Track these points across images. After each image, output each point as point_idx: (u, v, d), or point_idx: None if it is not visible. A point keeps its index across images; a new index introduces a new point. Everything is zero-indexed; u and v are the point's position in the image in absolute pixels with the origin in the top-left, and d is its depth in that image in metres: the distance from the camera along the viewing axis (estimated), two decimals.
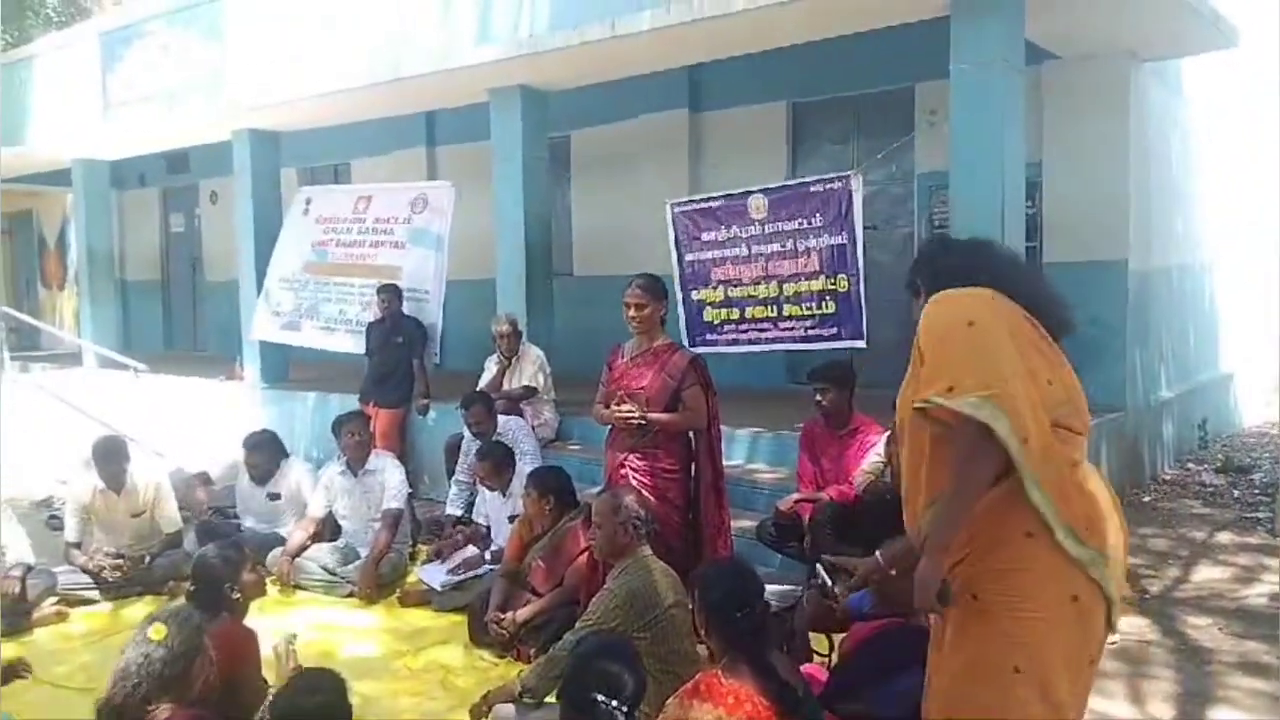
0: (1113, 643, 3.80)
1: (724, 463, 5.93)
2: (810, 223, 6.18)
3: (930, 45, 5.70)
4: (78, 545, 5.27)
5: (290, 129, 9.46)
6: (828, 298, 6.18)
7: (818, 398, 4.83)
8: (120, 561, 5.15)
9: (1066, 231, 6.77)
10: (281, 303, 8.67)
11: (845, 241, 6.05)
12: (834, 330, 6.18)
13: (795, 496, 4.87)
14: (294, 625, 4.83)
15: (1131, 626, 4.31)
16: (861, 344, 6.02)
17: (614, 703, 2.44)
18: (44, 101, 11.77)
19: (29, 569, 4.93)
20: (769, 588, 4.66)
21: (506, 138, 7.59)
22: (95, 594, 5.14)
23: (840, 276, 6.10)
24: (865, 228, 6.27)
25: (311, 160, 11.36)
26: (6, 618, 4.68)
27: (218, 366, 10.17)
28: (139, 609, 4.92)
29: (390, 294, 7.23)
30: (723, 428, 6.15)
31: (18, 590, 4.73)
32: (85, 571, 5.13)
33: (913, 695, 2.43)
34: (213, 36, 9.45)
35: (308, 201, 8.83)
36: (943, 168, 6.04)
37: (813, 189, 6.23)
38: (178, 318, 14.31)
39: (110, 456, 5.30)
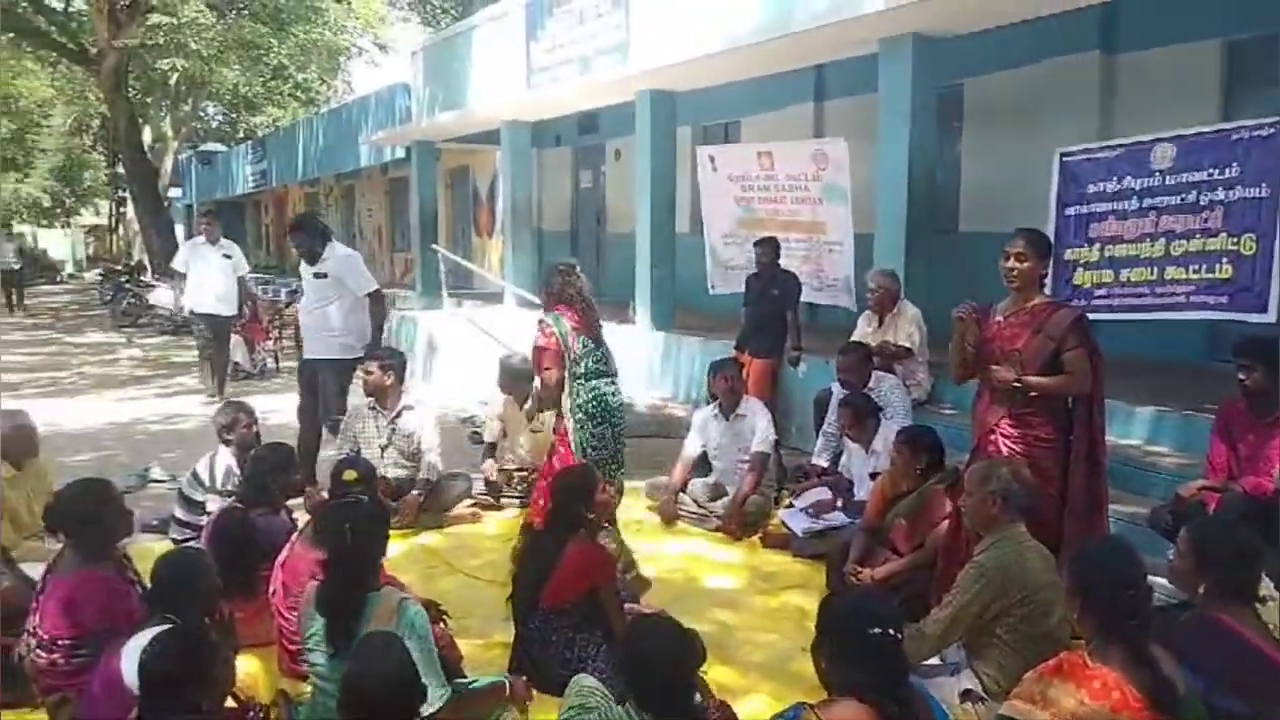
0: None
1: (1119, 441, 5.51)
2: (1224, 174, 5.29)
3: None
4: (495, 445, 6.13)
5: (686, 89, 9.93)
6: (1224, 260, 5.29)
7: (1241, 376, 4.24)
8: (525, 473, 5.87)
9: None
10: (732, 258, 9.05)
11: (1265, 195, 5.11)
12: (1223, 298, 5.30)
13: (1200, 483, 4.35)
14: (667, 551, 5.25)
15: None
16: (1264, 317, 5.10)
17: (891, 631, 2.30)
18: (480, 69, 13.35)
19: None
20: (1160, 582, 4.29)
21: (894, 89, 7.40)
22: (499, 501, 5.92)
23: (1245, 236, 5.18)
24: None
25: (705, 118, 11.84)
26: (430, 515, 5.56)
27: (616, 310, 11.04)
28: None
29: (768, 247, 7.40)
30: (1122, 404, 5.72)
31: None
32: (488, 483, 5.95)
33: None
34: (619, 3, 10.14)
35: (712, 159, 9.23)
36: None
37: (1235, 136, 5.35)
38: (583, 265, 15.42)
39: (516, 371, 6.03)
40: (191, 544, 4.28)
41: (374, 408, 5.80)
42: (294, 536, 3.74)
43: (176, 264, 9.89)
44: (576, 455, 4.67)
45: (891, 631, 2.27)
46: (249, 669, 3.53)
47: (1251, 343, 4.33)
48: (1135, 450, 5.56)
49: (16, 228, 34.75)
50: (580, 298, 4.89)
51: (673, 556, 5.20)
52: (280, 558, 3.67)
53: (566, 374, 4.74)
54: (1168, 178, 5.65)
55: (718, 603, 4.52)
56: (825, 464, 5.98)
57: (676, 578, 4.87)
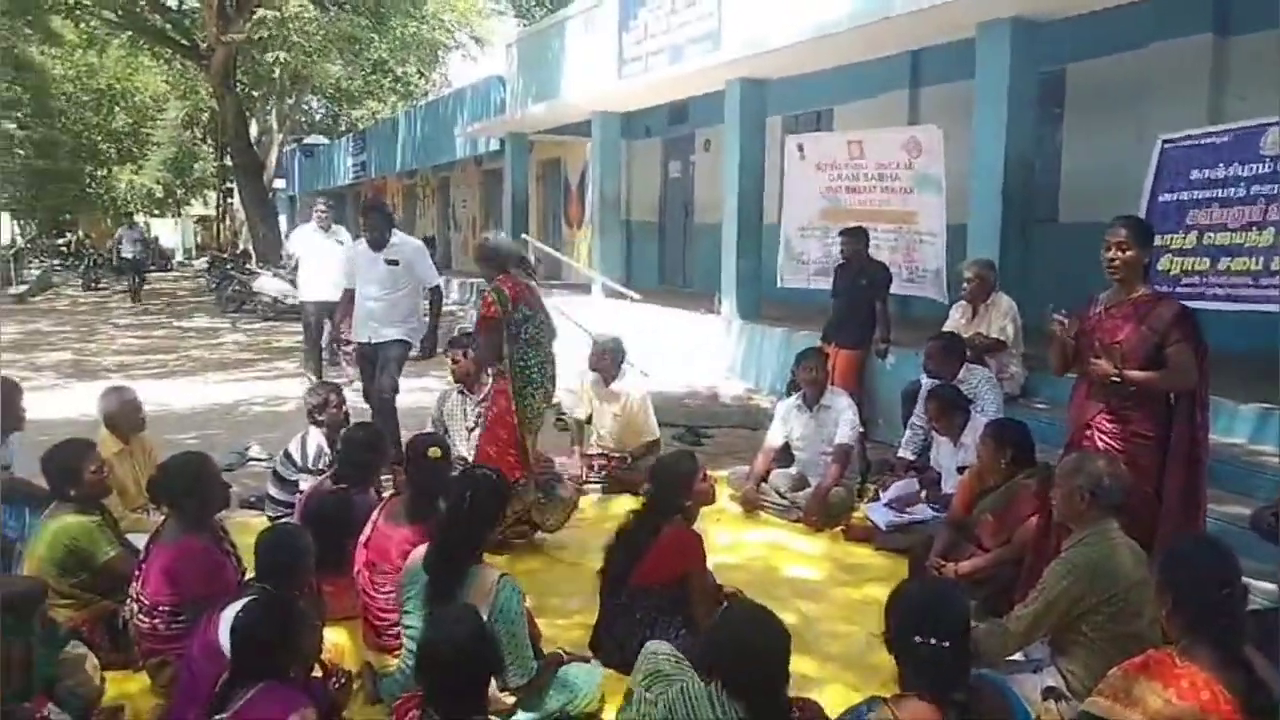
0: None
1: (1222, 439, 5.27)
2: None
3: None
4: (587, 421, 6.26)
5: (778, 77, 9.84)
6: None
7: None
8: (606, 459, 5.93)
9: None
10: (807, 251, 8.96)
11: None
12: None
13: None
14: (748, 540, 5.23)
15: None
16: None
17: (932, 640, 2.27)
18: (572, 60, 13.47)
19: None
20: (1258, 584, 4.10)
21: (992, 74, 7.21)
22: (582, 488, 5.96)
23: None
24: None
25: (795, 107, 11.71)
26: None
27: (701, 301, 11.05)
28: (620, 503, 5.59)
29: (855, 237, 7.29)
30: (1226, 400, 5.47)
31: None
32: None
33: None
34: None
35: (800, 148, 9.12)
36: None
37: None
38: (670, 255, 15.69)
39: (608, 352, 6.19)
40: (286, 520, 4.44)
41: (463, 392, 5.95)
42: (375, 514, 3.84)
43: (291, 248, 10.11)
44: (517, 410, 4.96)
45: (934, 641, 2.24)
46: (337, 640, 3.67)
47: None
48: (1239, 449, 5.34)
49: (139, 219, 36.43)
50: (519, 268, 5.19)
51: (753, 544, 5.19)
52: (364, 536, 3.77)
53: (507, 340, 5.00)
54: (1278, 165, 5.37)
55: (798, 593, 4.50)
56: (912, 457, 5.88)
57: (757, 566, 4.87)
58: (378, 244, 6.41)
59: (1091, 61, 8.39)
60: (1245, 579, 4.18)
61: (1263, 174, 5.46)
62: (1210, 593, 2.33)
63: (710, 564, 4.66)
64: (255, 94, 28.38)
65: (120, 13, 20.18)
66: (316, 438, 5.09)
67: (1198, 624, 2.33)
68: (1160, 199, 5.95)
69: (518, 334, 4.95)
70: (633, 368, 8.99)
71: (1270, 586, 4.06)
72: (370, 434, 4.52)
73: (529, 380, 4.99)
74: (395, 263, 6.40)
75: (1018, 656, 3.27)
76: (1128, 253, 3.82)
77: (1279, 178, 5.38)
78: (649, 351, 9.87)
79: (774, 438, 5.90)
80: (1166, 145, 6.01)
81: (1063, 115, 8.87)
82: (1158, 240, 5.81)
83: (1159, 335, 3.73)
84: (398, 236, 6.54)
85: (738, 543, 5.20)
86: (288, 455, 5.12)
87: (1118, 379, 3.76)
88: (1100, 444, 3.79)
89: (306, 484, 4.76)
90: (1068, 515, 3.28)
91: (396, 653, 3.41)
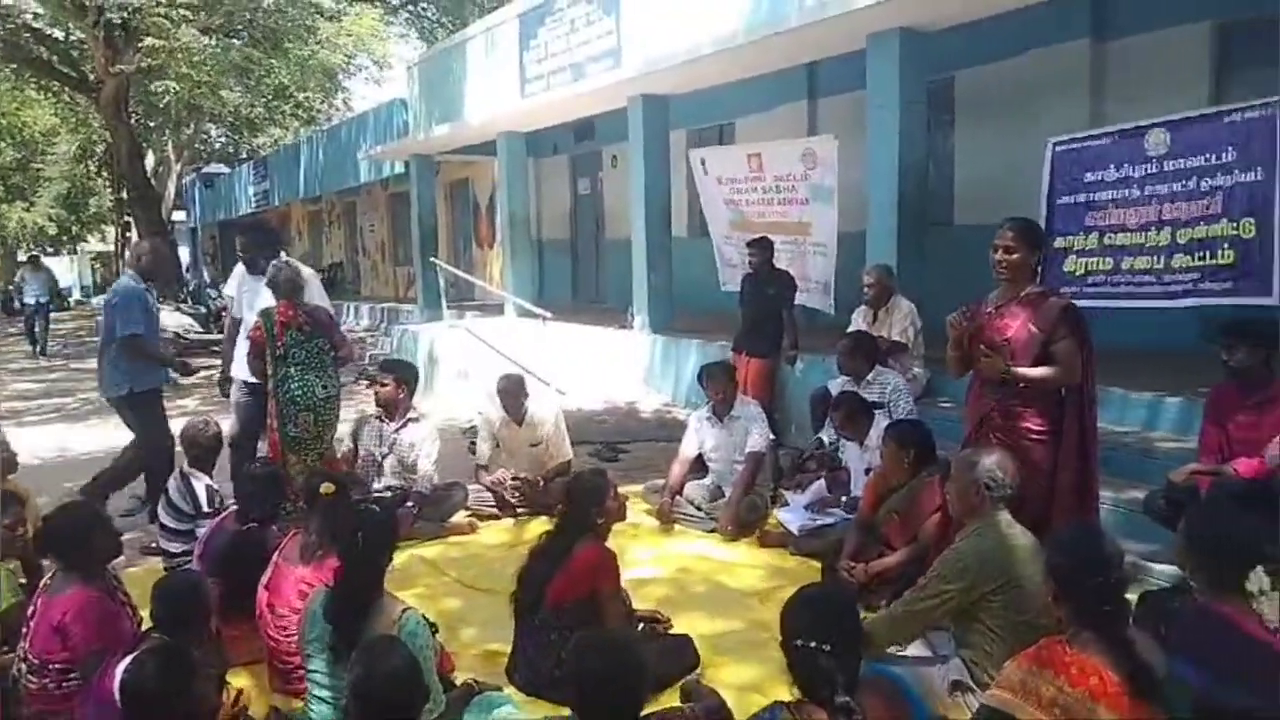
0: None
1: (1115, 428, 5.48)
2: (1220, 158, 5.28)
3: None
4: (486, 468, 6.06)
5: (679, 92, 9.94)
6: (1225, 245, 5.28)
7: (1224, 356, 4.24)
8: (520, 484, 5.87)
9: None
10: (732, 257, 9.09)
11: (1261, 179, 5.11)
12: (1228, 284, 5.28)
13: (1192, 467, 4.31)
14: (673, 552, 5.23)
15: None
16: (1270, 299, 5.07)
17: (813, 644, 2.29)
18: (474, 81, 13.40)
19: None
20: (1153, 566, 4.27)
21: (883, 84, 7.40)
22: (497, 511, 5.90)
23: (1246, 220, 5.17)
24: None
25: (698, 121, 11.85)
26: (428, 524, 5.58)
27: (616, 316, 11.07)
28: (535, 527, 5.55)
29: (762, 247, 7.39)
30: (1119, 390, 5.69)
31: None
32: (490, 491, 5.93)
33: None
34: (610, 10, 10.16)
35: (703, 162, 9.25)
36: None
37: (1228, 119, 5.33)
38: (583, 272, 15.70)
39: (511, 392, 6.02)
40: (185, 566, 4.29)
41: (381, 418, 5.88)
42: (275, 556, 3.74)
43: (229, 289, 8.77)
44: (280, 436, 5.36)
45: (814, 645, 2.26)
46: (242, 685, 3.56)
47: (1234, 322, 4.33)
48: (1134, 436, 5.55)
49: (22, 257, 34.84)
50: (290, 290, 5.41)
51: (677, 556, 5.19)
52: (265, 577, 3.67)
53: (271, 364, 5.34)
54: (1165, 164, 5.62)
55: (730, 601, 4.51)
56: (827, 439, 5.95)
57: (684, 578, 4.87)
58: (257, 267, 5.99)
59: (978, 68, 8.67)
60: (1141, 561, 4.38)
61: (1152, 174, 5.69)
62: (1092, 579, 2.40)
63: (635, 578, 4.71)
64: (150, 124, 27.52)
65: (3, 45, 19.42)
66: (202, 480, 4.87)
67: (1083, 611, 2.41)
68: (1059, 201, 6.17)
69: (284, 356, 5.31)
70: (548, 387, 8.99)
71: (1165, 568, 4.22)
72: (270, 470, 4.40)
73: (292, 401, 5.33)
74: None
75: (925, 651, 3.34)
76: (1014, 254, 3.94)
77: (1167, 177, 5.62)
78: (565, 369, 9.85)
79: (687, 450, 5.93)
80: (1057, 148, 6.23)
81: (954, 122, 9.14)
82: (1062, 242, 6.08)
83: (1046, 332, 3.85)
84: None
85: (661, 556, 5.20)
86: (171, 505, 4.83)
87: (1006, 376, 3.88)
88: (995, 439, 3.90)
89: (204, 528, 4.58)
90: (961, 509, 3.37)
91: (304, 696, 3.32)
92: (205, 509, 4.74)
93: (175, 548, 4.77)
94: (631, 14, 9.95)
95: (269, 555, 3.81)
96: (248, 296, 6.06)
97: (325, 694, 3.09)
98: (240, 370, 5.92)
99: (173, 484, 4.93)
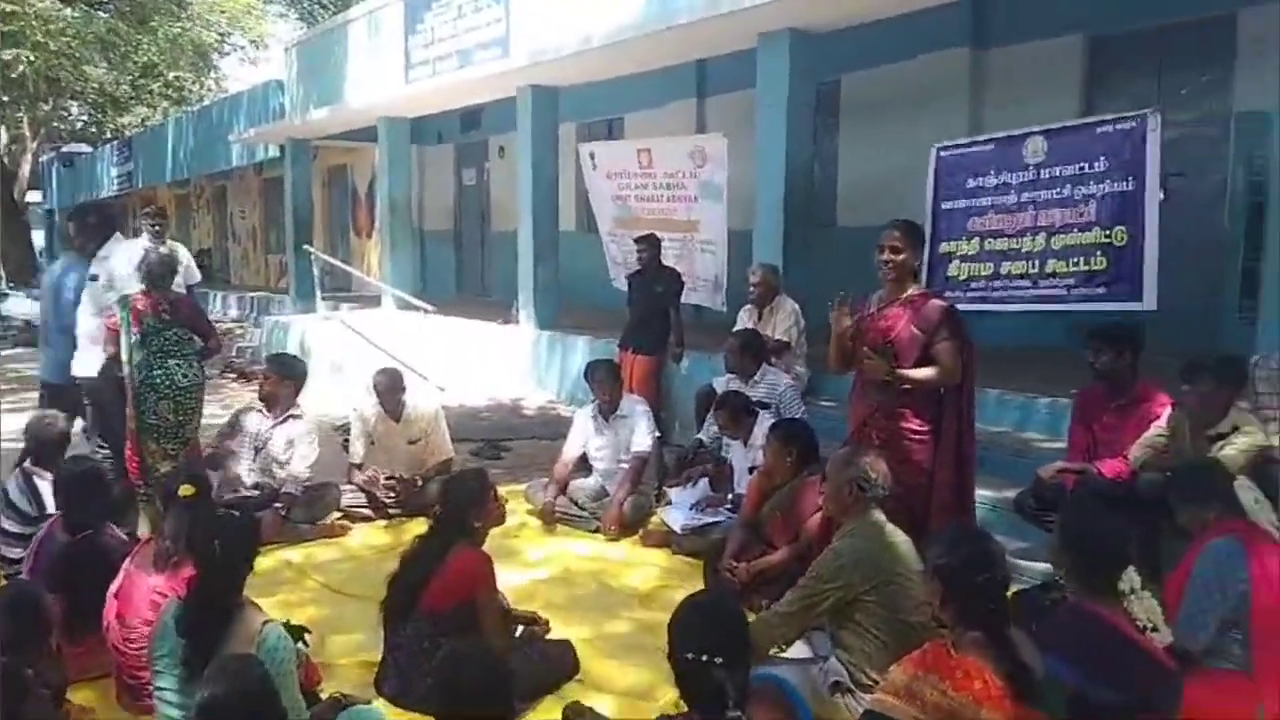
0: None
1: (991, 428, 5.61)
2: (1093, 167, 5.47)
3: None
4: (360, 466, 5.78)
5: (568, 84, 9.80)
6: (1098, 252, 5.47)
7: (1090, 359, 4.38)
8: (394, 484, 5.63)
9: None
10: (619, 254, 8.95)
11: (1131, 188, 5.32)
12: (1100, 289, 5.48)
13: (1059, 465, 4.46)
14: (560, 552, 5.09)
15: None
16: (1140, 304, 5.30)
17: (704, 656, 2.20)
18: (356, 64, 12.96)
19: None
20: (1026, 564, 4.37)
21: (772, 84, 7.43)
22: (371, 513, 5.64)
23: (1119, 228, 5.36)
24: (1170, 174, 5.55)
25: (588, 115, 11.73)
26: (297, 526, 5.31)
27: (501, 310, 10.85)
28: (412, 528, 5.33)
29: (650, 244, 7.33)
30: (994, 391, 5.83)
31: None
32: (364, 491, 5.66)
33: None
34: None
35: (592, 156, 9.12)
36: (1266, 106, 5.23)
37: (1101, 130, 5.53)
38: (468, 264, 15.39)
39: (389, 387, 5.78)
40: (18, 577, 3.92)
41: (261, 412, 5.66)
42: (127, 561, 3.45)
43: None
44: (137, 425, 5.19)
45: (705, 657, 2.16)
46: (85, 702, 3.29)
47: (1101, 326, 4.47)
48: (1007, 436, 5.70)
49: None
50: (151, 280, 5.22)
51: (565, 557, 5.07)
52: (114, 585, 3.38)
53: (128, 352, 5.15)
54: (1042, 172, 5.79)
55: (623, 602, 4.43)
56: (708, 439, 5.91)
57: (574, 578, 4.76)
58: (87, 253, 5.56)
59: (864, 72, 8.82)
60: (1012, 559, 4.47)
61: (1028, 181, 5.86)
62: (978, 577, 2.39)
63: (523, 580, 4.59)
64: (4, 99, 25.74)
65: None
66: (47, 479, 4.38)
67: (969, 610, 2.40)
68: (943, 206, 6.29)
69: (143, 343, 5.15)
70: (427, 382, 8.72)
71: (1036, 565, 4.33)
72: (89, 469, 4.06)
73: (153, 388, 5.17)
74: (96, 278, 5.53)
75: (806, 651, 3.31)
76: (900, 255, 3.98)
77: (1044, 184, 5.78)
78: (447, 364, 9.60)
79: (571, 449, 5.81)
80: (941, 153, 6.36)
81: (839, 124, 9.28)
82: (946, 247, 6.19)
83: (927, 333, 3.89)
84: (110, 248, 5.63)
85: (549, 556, 5.07)
86: (11, 506, 4.40)
87: (889, 378, 3.90)
88: (877, 439, 3.92)
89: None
90: (836, 509, 3.37)
91: (153, 714, 3.06)
92: (50, 511, 4.35)
93: (16, 553, 4.35)
94: (521, 2, 9.75)
95: (114, 562, 3.51)
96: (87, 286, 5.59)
97: (175, 713, 2.86)
98: (83, 366, 5.51)
99: (13, 484, 4.50)
